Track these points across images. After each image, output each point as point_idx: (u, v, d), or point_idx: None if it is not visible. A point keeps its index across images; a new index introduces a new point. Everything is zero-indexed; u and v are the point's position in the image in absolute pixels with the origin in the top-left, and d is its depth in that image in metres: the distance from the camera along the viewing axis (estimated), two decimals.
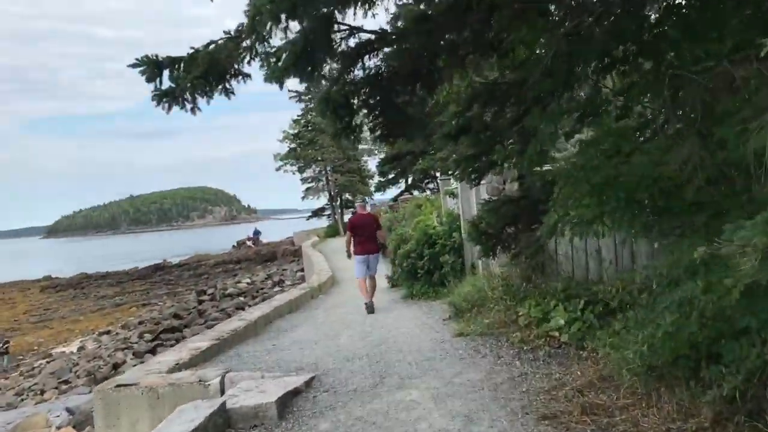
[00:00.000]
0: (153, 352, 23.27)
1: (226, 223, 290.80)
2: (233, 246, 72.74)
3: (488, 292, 8.33)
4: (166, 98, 4.32)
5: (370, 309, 11.24)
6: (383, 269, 15.87)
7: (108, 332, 32.34)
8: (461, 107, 5.94)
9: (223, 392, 6.61)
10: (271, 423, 5.25)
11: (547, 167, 6.84)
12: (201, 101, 4.37)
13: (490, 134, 5.91)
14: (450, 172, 9.78)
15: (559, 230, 4.44)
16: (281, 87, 4.34)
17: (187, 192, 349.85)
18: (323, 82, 4.89)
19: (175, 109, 4.40)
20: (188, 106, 4.39)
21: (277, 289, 34.27)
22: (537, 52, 5.58)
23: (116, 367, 21.17)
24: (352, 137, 5.26)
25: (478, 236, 6.97)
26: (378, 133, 5.48)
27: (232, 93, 4.52)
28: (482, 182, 10.58)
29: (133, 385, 6.73)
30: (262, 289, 35.08)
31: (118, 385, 6.73)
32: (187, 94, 4.30)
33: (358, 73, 4.98)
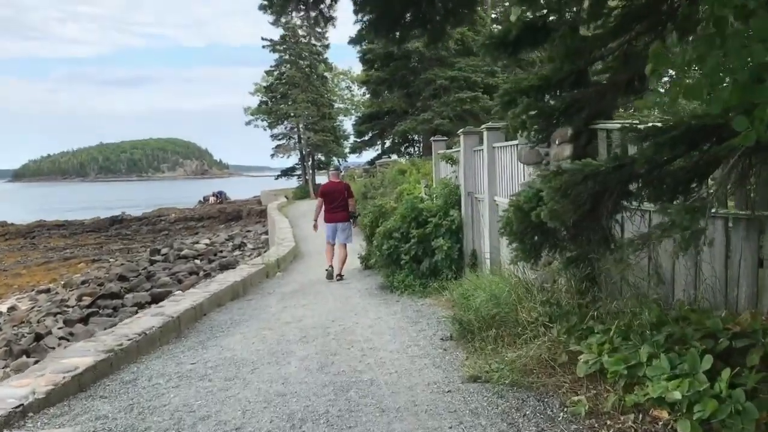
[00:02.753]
0: (85, 321, 20.28)
1: (197, 177, 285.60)
2: (199, 201, 69.87)
3: (518, 309, 5.48)
4: None
5: (330, 275, 11.54)
6: (357, 242, 13.26)
7: (48, 290, 29.24)
8: None
9: None
10: None
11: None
12: None
13: (589, 40, 3.01)
14: (489, 124, 6.93)
15: None
16: None
17: (158, 143, 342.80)
18: None
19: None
20: None
21: (237, 253, 31.41)
22: None
23: (39, 339, 18.11)
24: (308, 10, 2.36)
25: (523, 229, 4.12)
26: (368, 15, 2.58)
27: None
28: (503, 143, 7.78)
29: None
30: (221, 252, 32.14)
31: None
32: None
33: None
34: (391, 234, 9.87)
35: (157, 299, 20.86)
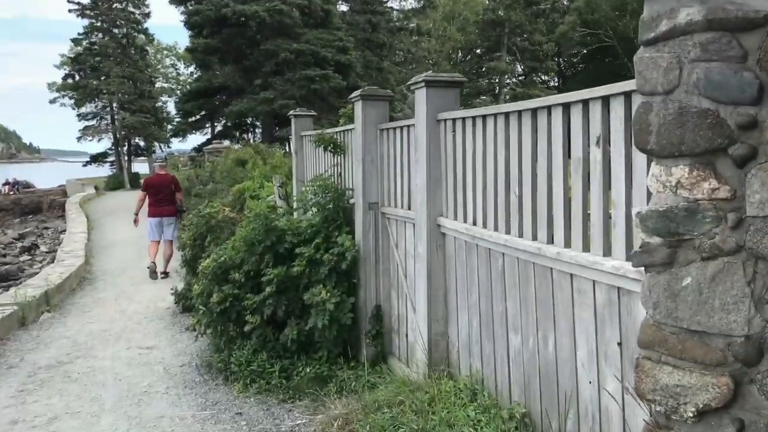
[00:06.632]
0: None
1: (3, 162, 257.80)
2: None
3: None
4: None
5: (153, 273, 10.92)
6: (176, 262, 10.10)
7: None
8: None
9: None
10: None
11: None
12: None
13: None
14: (431, 74, 2.96)
15: None
16: None
17: None
18: None
19: None
20: None
21: (25, 257, 25.01)
22: None
23: None
24: None
25: None
26: None
27: None
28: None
29: None
30: (3, 257, 25.50)
31: None
32: None
33: None
34: (226, 272, 5.56)
35: None
